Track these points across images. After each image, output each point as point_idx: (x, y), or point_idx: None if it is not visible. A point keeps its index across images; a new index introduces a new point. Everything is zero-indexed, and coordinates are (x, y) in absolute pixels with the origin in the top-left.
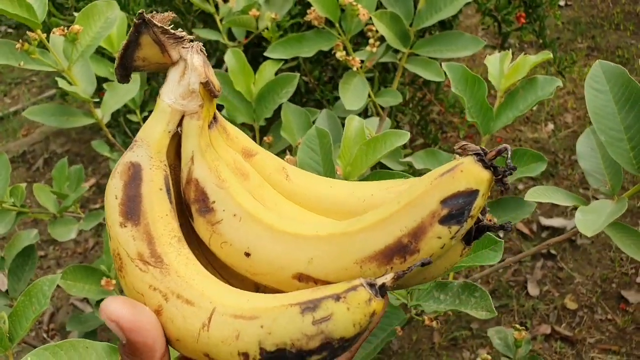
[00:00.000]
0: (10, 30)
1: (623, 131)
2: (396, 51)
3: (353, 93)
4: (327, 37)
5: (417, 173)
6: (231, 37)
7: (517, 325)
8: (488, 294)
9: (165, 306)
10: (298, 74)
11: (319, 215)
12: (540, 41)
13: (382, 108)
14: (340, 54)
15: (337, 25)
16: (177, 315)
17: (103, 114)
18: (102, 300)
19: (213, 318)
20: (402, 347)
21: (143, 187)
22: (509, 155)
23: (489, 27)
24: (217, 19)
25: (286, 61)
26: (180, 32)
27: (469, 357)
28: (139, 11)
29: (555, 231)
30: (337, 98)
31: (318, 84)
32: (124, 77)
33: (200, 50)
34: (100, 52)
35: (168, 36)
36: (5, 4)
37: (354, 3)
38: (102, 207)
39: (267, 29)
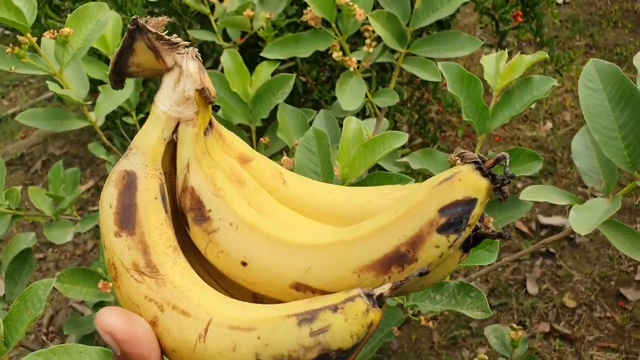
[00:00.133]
0: (7, 32)
1: (617, 130)
2: (393, 51)
3: (350, 93)
4: (323, 37)
5: (414, 173)
6: (227, 38)
7: (514, 325)
8: (484, 294)
9: (161, 317)
10: (294, 75)
11: (316, 222)
12: (538, 40)
13: (379, 108)
14: (336, 54)
15: (333, 25)
16: (173, 326)
17: (97, 117)
18: (99, 303)
19: (209, 329)
20: (402, 347)
21: (138, 195)
22: (507, 164)
23: (487, 25)
24: (212, 19)
25: (284, 61)
26: (175, 38)
27: (469, 356)
28: (133, 17)
29: (554, 229)
30: (335, 98)
31: (316, 84)
32: (118, 83)
33: (196, 56)
34: (97, 54)
35: (163, 42)
36: None
37: (351, 3)
38: None
39: (262, 28)
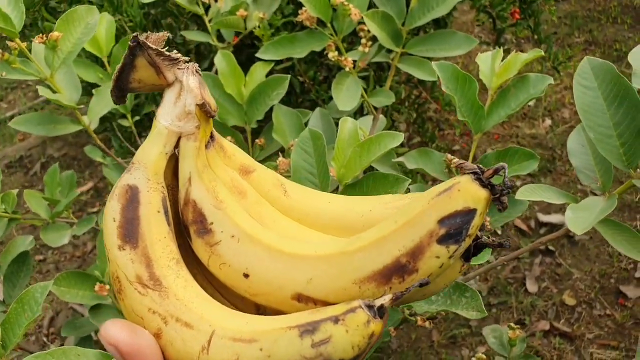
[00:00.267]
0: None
1: (612, 127)
2: (389, 51)
3: (346, 93)
4: (319, 37)
5: (411, 173)
6: (222, 38)
7: (512, 324)
8: (479, 294)
9: (165, 329)
10: (289, 76)
11: (317, 232)
12: (536, 37)
13: (376, 108)
14: (332, 54)
15: (329, 25)
16: (177, 338)
17: (90, 120)
18: (96, 305)
19: (212, 341)
20: (401, 346)
21: (141, 209)
22: (506, 174)
23: (484, 23)
24: (206, 20)
25: (281, 62)
26: (175, 54)
27: (468, 355)
28: (134, 34)
29: (553, 227)
30: (332, 98)
31: (313, 84)
32: (120, 98)
33: (196, 71)
34: (94, 57)
35: (163, 58)
36: None
37: (346, 3)
38: (99, 211)
39: (258, 27)
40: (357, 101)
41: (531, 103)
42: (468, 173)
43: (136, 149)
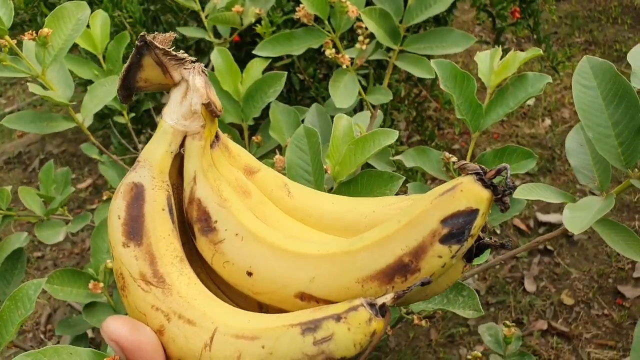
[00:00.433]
0: None
1: (611, 127)
2: (389, 49)
3: (343, 91)
4: (317, 34)
5: (412, 171)
6: (218, 35)
7: (507, 322)
8: (475, 294)
9: (167, 326)
10: (285, 72)
11: (321, 232)
12: (535, 36)
13: (374, 106)
14: (329, 52)
15: (326, 22)
16: (179, 335)
17: (84, 117)
18: (91, 304)
19: (215, 338)
20: (399, 345)
21: (146, 207)
22: (508, 175)
23: (484, 22)
24: (203, 16)
25: (280, 59)
26: (182, 54)
27: (466, 353)
28: (141, 34)
29: (552, 227)
30: None
31: (313, 82)
32: (126, 98)
33: (202, 71)
34: (90, 54)
35: (170, 58)
36: None
37: (343, 0)
38: (97, 208)
39: (258, 24)
40: (354, 99)
41: (531, 102)
42: (471, 173)
43: (134, 146)
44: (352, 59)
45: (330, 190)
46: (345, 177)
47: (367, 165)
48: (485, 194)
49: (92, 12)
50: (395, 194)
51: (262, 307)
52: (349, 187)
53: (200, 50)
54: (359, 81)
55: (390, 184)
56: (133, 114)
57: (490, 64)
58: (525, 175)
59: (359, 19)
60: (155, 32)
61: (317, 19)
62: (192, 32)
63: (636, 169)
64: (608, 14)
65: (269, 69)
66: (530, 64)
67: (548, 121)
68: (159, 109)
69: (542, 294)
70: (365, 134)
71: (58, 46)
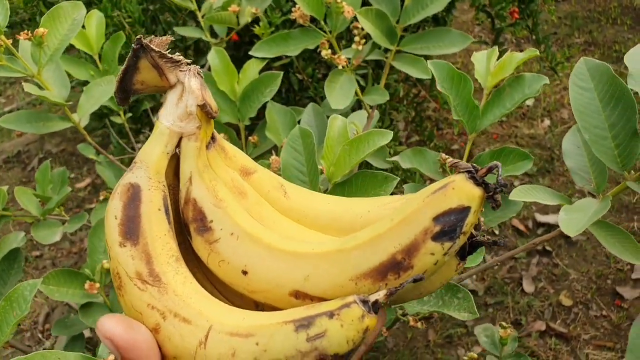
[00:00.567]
0: None
1: (607, 129)
2: (385, 49)
3: (339, 91)
4: (313, 35)
5: (410, 172)
6: (215, 34)
7: (503, 323)
8: (471, 295)
9: (163, 324)
10: (281, 73)
11: (317, 232)
12: (534, 37)
13: (370, 107)
14: (325, 52)
15: (322, 23)
16: (175, 333)
17: (80, 117)
18: (87, 304)
19: (210, 336)
20: (397, 345)
21: (142, 207)
22: (500, 173)
23: (482, 22)
24: (199, 16)
25: (279, 59)
26: (177, 56)
27: (464, 354)
28: (137, 36)
29: (551, 227)
30: None
31: (311, 82)
32: (123, 100)
33: (198, 73)
34: (87, 54)
35: (166, 60)
36: None
37: (339, 0)
38: (94, 208)
39: (257, 25)
40: (350, 99)
41: (530, 103)
42: (462, 172)
43: (132, 147)
44: (349, 59)
45: (325, 191)
46: (340, 178)
47: (365, 164)
48: (476, 191)
49: (90, 12)
50: (390, 194)
51: (258, 307)
52: (344, 187)
53: (200, 50)
54: (357, 81)
55: (385, 184)
56: (131, 114)
57: (487, 65)
58: (524, 175)
59: (355, 19)
60: (152, 35)
61: (314, 19)
62: (188, 32)
63: (632, 171)
64: (607, 14)
65: (267, 68)
66: (529, 65)
67: (547, 122)
68: (157, 109)
69: (541, 295)
70: (360, 134)
71: (54, 46)
